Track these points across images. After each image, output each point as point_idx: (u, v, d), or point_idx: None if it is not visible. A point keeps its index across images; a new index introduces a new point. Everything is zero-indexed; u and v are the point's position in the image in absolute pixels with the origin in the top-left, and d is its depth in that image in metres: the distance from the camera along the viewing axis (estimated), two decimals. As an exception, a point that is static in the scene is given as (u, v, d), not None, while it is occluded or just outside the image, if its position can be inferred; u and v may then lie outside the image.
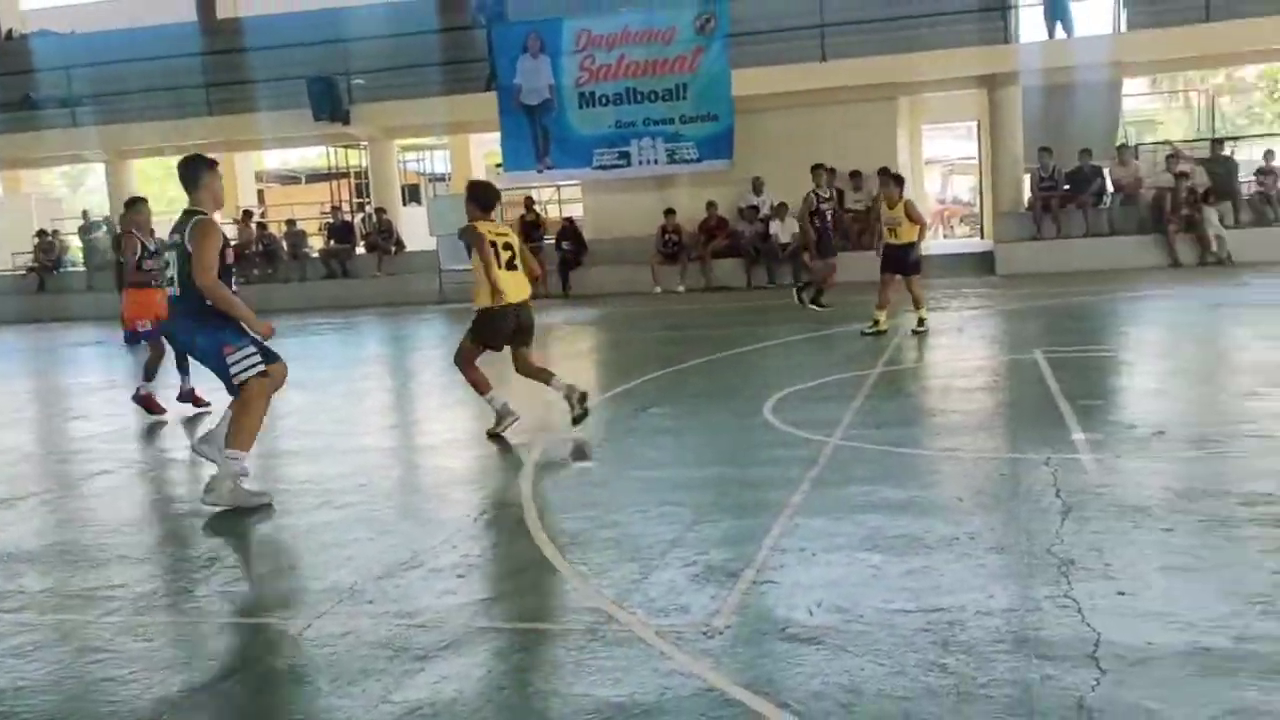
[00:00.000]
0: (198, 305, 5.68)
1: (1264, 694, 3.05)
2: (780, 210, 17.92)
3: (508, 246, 7.11)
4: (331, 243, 21.63)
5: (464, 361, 7.25)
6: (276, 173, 32.73)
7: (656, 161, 18.89)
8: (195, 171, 5.84)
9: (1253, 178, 17.92)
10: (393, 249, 20.71)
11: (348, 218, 22.85)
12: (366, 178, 23.98)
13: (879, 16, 17.38)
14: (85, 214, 24.20)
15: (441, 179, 27.54)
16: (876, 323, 11.16)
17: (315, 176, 30.49)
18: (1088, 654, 3.34)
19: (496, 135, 20.49)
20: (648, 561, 4.48)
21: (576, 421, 7.17)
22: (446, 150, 27.14)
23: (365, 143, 22.32)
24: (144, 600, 4.44)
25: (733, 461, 6.44)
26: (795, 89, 17.74)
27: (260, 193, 28.94)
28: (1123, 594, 3.83)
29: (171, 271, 5.76)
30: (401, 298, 19.86)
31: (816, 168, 14.50)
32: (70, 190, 38.53)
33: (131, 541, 5.43)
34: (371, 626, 4.01)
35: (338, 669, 3.64)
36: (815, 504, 5.18)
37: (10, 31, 25.52)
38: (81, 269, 23.24)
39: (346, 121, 20.07)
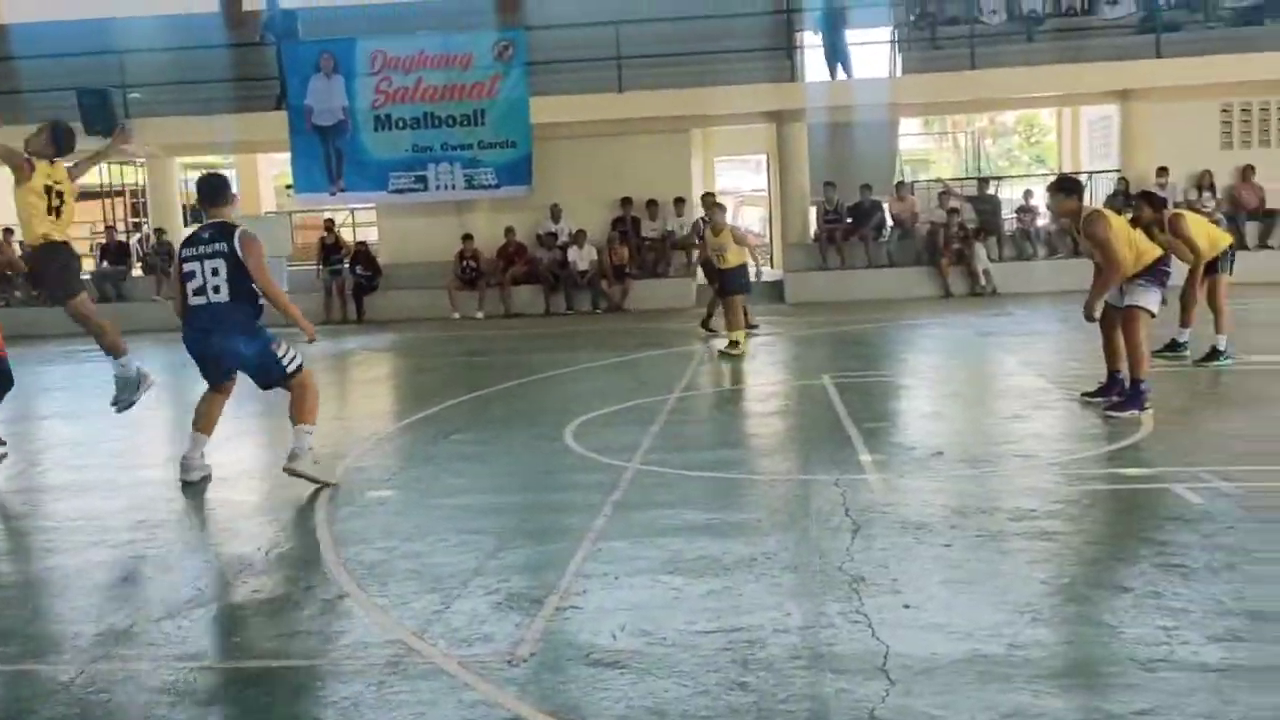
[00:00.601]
0: (246, 311, 6.27)
1: (1035, 697, 3.27)
2: (579, 237, 18.07)
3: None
4: (105, 264, 20.39)
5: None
6: (43, 189, 30.58)
7: (454, 186, 18.72)
8: (222, 188, 6.58)
9: (1014, 215, 19.30)
10: (172, 271, 19.71)
11: (122, 238, 21.61)
12: (144, 196, 22.73)
13: (674, 51, 17.82)
14: None
15: (227, 199, 26.31)
16: (735, 343, 11.46)
17: (86, 194, 28.66)
18: (878, 666, 3.50)
19: (287, 155, 19.84)
20: (449, 591, 4.41)
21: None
22: (233, 170, 26.06)
23: (142, 159, 21.18)
24: (-111, 653, 4.04)
25: (534, 488, 6.42)
26: (593, 118, 17.96)
27: (23, 210, 26.99)
28: (908, 607, 4.03)
29: (217, 280, 6.23)
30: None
31: (707, 195, 14.83)
32: None
33: (-127, 588, 4.94)
34: (152, 670, 3.78)
35: (114, 718, 3.41)
36: (617, 528, 5.22)
37: None
38: None
39: (122, 137, 19.00)
